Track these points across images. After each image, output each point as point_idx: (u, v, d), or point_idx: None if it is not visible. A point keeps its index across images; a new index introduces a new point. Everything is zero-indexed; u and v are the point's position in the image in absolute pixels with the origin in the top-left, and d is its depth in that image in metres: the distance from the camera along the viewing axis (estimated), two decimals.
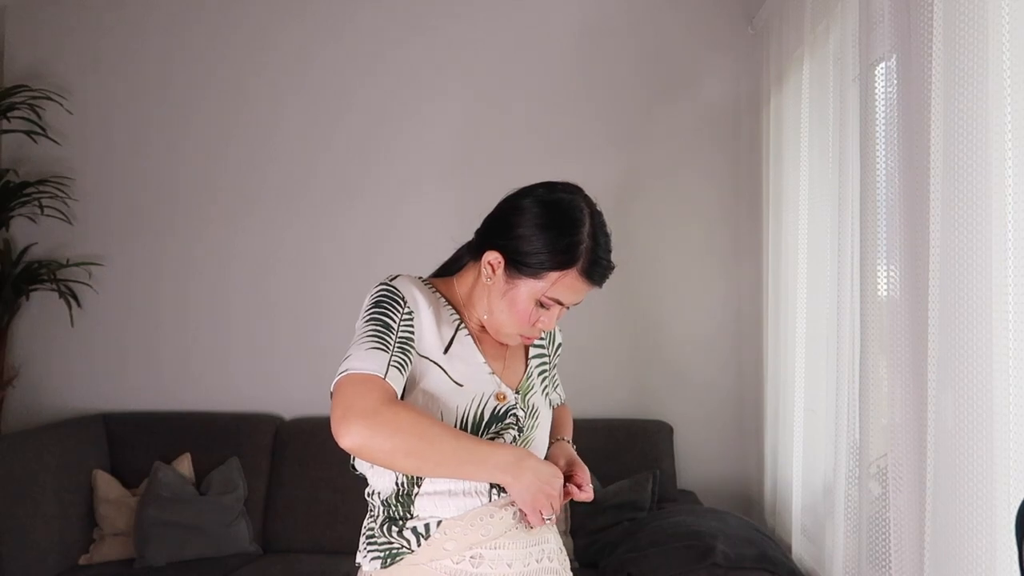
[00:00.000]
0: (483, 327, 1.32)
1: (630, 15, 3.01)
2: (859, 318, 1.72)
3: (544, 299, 1.24)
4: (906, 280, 1.43)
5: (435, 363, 1.23)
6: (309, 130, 3.12)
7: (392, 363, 1.15)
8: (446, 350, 1.25)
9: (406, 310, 1.21)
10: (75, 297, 3.13)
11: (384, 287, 1.24)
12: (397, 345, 1.17)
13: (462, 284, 1.33)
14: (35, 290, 3.15)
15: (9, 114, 3.07)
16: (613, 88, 3.01)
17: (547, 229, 1.22)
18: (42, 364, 3.21)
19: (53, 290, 3.09)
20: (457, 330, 1.28)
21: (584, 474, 1.31)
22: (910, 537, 1.41)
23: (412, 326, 1.21)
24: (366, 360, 1.14)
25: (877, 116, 1.62)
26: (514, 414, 1.27)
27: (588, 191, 1.34)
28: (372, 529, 1.26)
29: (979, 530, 1.23)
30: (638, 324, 3.01)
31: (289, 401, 3.07)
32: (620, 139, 2.99)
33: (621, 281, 2.98)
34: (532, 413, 1.31)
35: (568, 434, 1.46)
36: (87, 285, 3.17)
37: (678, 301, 2.99)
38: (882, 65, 1.58)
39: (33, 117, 3.10)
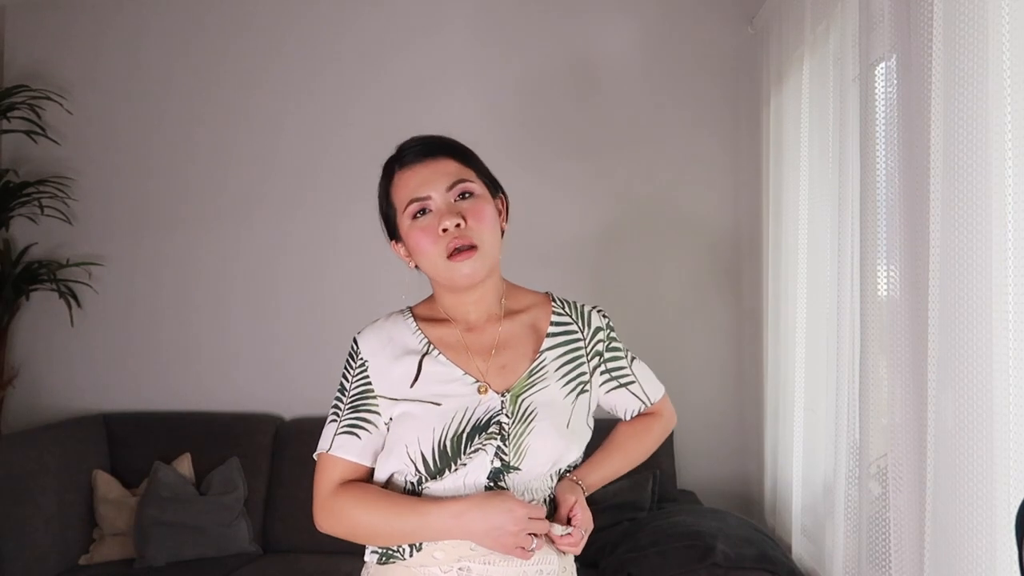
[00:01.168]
0: (469, 328, 1.28)
1: (629, 15, 3.01)
2: (859, 318, 1.72)
3: (410, 210, 1.22)
4: (906, 280, 1.43)
5: (404, 399, 1.22)
6: (311, 130, 3.12)
7: (340, 430, 1.24)
8: (414, 382, 1.23)
9: (359, 363, 1.26)
10: (75, 297, 3.13)
11: (351, 343, 1.29)
12: (348, 407, 1.25)
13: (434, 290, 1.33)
14: (35, 290, 3.15)
15: (9, 114, 3.08)
16: (612, 89, 3.01)
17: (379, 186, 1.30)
18: (42, 364, 3.21)
19: (53, 290, 3.09)
20: (425, 354, 1.25)
21: (581, 515, 1.22)
22: (910, 537, 1.41)
23: (366, 376, 1.25)
24: (322, 439, 1.26)
25: (877, 116, 1.62)
26: (497, 422, 1.20)
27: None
28: None
29: (979, 530, 1.22)
30: (638, 324, 3.00)
31: (289, 401, 3.07)
32: (620, 140, 2.99)
33: (621, 281, 3.01)
34: (524, 417, 1.21)
35: (595, 470, 1.32)
36: (87, 285, 3.17)
37: (678, 301, 2.99)
38: (882, 65, 1.58)
39: (33, 117, 3.10)
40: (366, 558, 1.27)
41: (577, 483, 1.28)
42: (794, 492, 2.36)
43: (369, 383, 1.24)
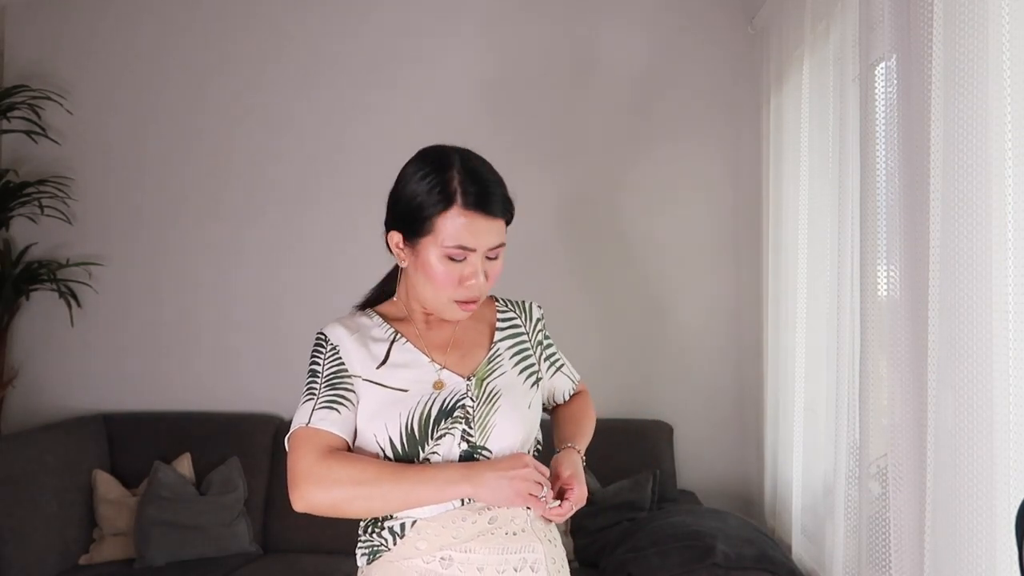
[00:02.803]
0: (428, 324, 1.32)
1: (629, 14, 3.01)
2: (859, 318, 1.72)
3: (450, 251, 1.21)
4: (906, 280, 1.43)
5: (370, 381, 1.25)
6: (313, 128, 3.12)
7: (318, 406, 1.22)
8: (381, 365, 1.26)
9: (329, 348, 1.28)
10: (75, 297, 3.13)
11: (315, 337, 1.31)
12: (324, 385, 1.25)
13: (401, 289, 1.35)
14: (35, 290, 3.16)
15: (9, 114, 3.08)
16: (610, 88, 3.01)
17: (419, 183, 1.22)
18: (42, 364, 3.21)
19: (53, 290, 3.10)
20: (393, 341, 1.29)
21: (577, 490, 1.25)
22: (910, 537, 1.41)
23: (339, 358, 1.27)
24: (297, 416, 1.23)
25: (877, 116, 1.62)
26: (462, 406, 1.25)
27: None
28: (360, 529, 1.31)
29: (979, 530, 1.22)
30: (638, 324, 3.01)
31: (289, 401, 3.03)
32: (619, 139, 2.99)
33: (621, 281, 3.01)
34: (489, 399, 1.27)
35: (580, 438, 1.41)
36: (87, 285, 3.17)
37: (678, 301, 2.99)
38: (882, 65, 1.58)
39: (33, 117, 3.10)
40: (358, 562, 1.29)
41: (575, 449, 1.35)
42: (794, 492, 2.36)
43: (343, 364, 1.26)
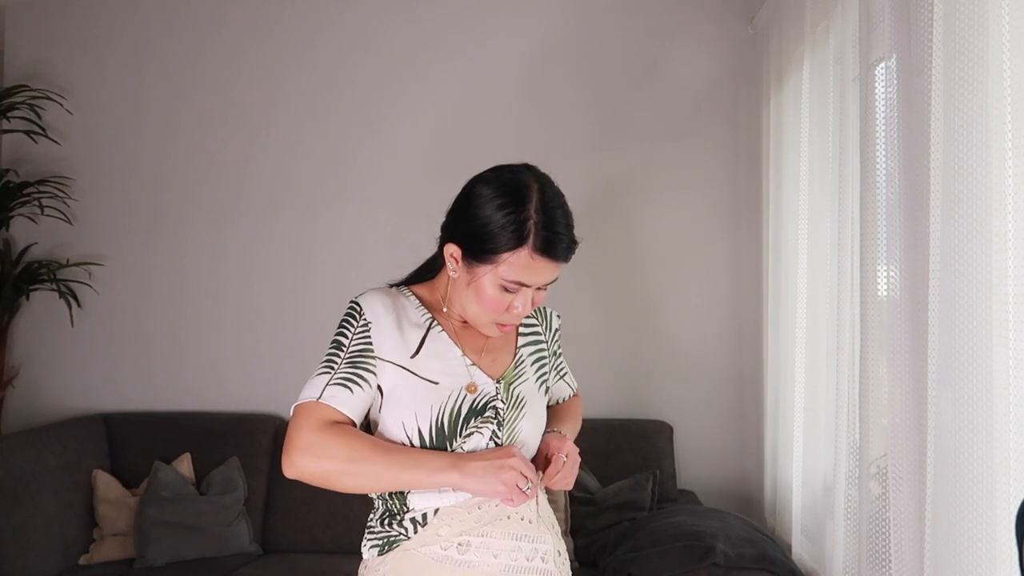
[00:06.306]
0: (464, 323, 1.33)
1: (629, 14, 3.01)
2: (859, 318, 1.72)
3: (507, 283, 1.21)
4: (906, 280, 1.43)
5: (402, 367, 1.25)
6: (306, 129, 3.12)
7: (333, 382, 1.22)
8: (415, 353, 1.26)
9: (362, 322, 1.26)
10: (75, 297, 3.13)
11: (349, 305, 1.30)
12: (346, 360, 1.24)
13: (442, 282, 1.35)
14: (35, 290, 3.16)
15: (9, 114, 3.08)
16: (611, 88, 3.01)
17: (494, 212, 1.19)
18: (42, 364, 3.21)
19: (53, 290, 3.10)
20: (429, 330, 1.29)
21: (563, 457, 1.28)
22: (910, 537, 1.41)
23: (368, 336, 1.25)
24: (308, 388, 1.24)
25: (877, 116, 1.62)
26: (493, 407, 1.27)
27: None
28: (372, 522, 1.31)
29: (979, 530, 1.22)
30: (638, 324, 3.01)
31: (288, 401, 3.02)
32: (619, 139, 2.99)
33: (621, 281, 3.01)
34: (517, 404, 1.30)
35: (567, 426, 1.44)
36: (87, 285, 3.17)
37: (678, 301, 2.99)
38: (882, 65, 1.58)
39: (33, 117, 3.10)
40: (365, 555, 1.29)
41: (561, 432, 1.41)
42: (794, 492, 2.36)
43: (370, 343, 1.25)
